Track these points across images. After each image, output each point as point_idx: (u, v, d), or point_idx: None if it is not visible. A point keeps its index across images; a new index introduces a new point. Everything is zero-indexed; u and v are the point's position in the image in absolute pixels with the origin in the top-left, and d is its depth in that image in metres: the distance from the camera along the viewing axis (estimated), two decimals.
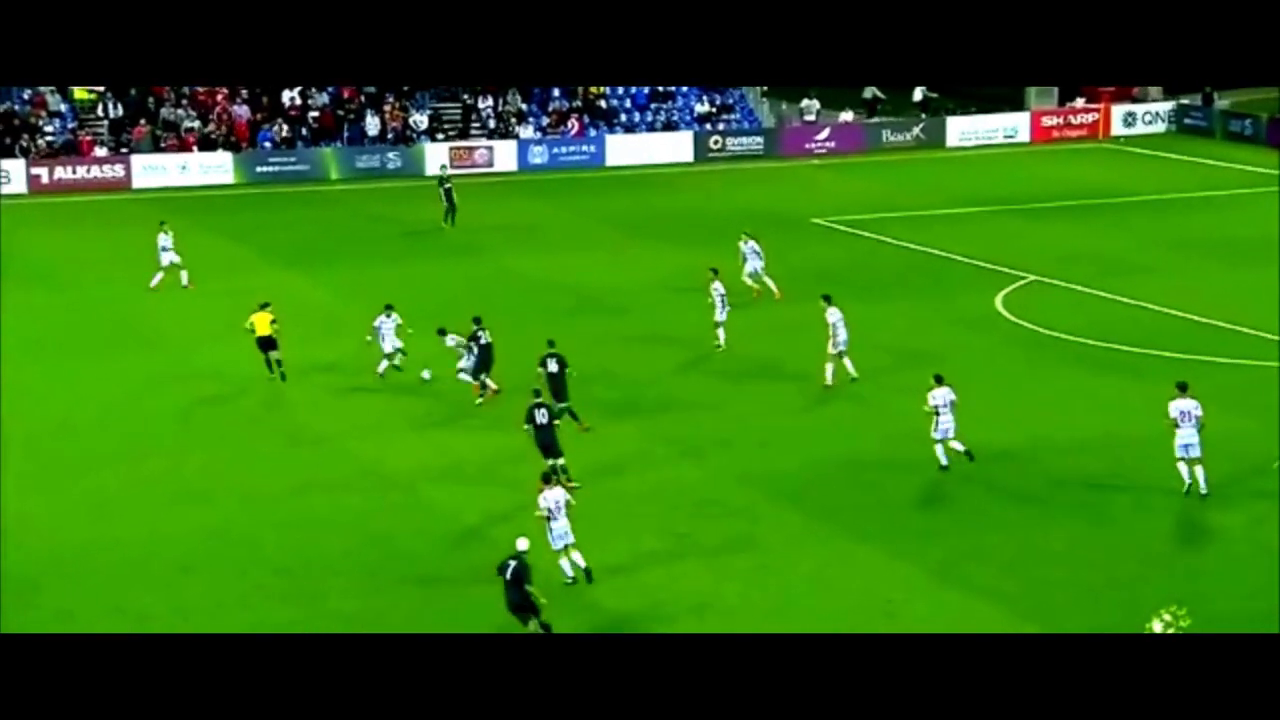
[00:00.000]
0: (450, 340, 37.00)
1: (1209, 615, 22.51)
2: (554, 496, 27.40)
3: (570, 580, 27.21)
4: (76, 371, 40.00)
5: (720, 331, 40.62)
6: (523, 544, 25.09)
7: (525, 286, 47.74)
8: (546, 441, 31.28)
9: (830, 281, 44.65)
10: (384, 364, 38.17)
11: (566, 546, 27.23)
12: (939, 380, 32.22)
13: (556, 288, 47.64)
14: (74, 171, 64.21)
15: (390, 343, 38.19)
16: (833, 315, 37.35)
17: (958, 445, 31.87)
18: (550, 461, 30.89)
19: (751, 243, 45.64)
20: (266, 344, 37.99)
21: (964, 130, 74.33)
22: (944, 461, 31.86)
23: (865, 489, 31.44)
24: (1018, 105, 76.73)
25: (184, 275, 47.73)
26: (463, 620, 25.47)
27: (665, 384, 38.52)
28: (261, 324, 38.11)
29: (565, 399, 34.11)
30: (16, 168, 63.51)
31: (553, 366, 34.48)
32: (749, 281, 45.15)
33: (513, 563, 24.80)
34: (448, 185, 56.58)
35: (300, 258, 51.88)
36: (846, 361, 37.58)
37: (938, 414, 31.78)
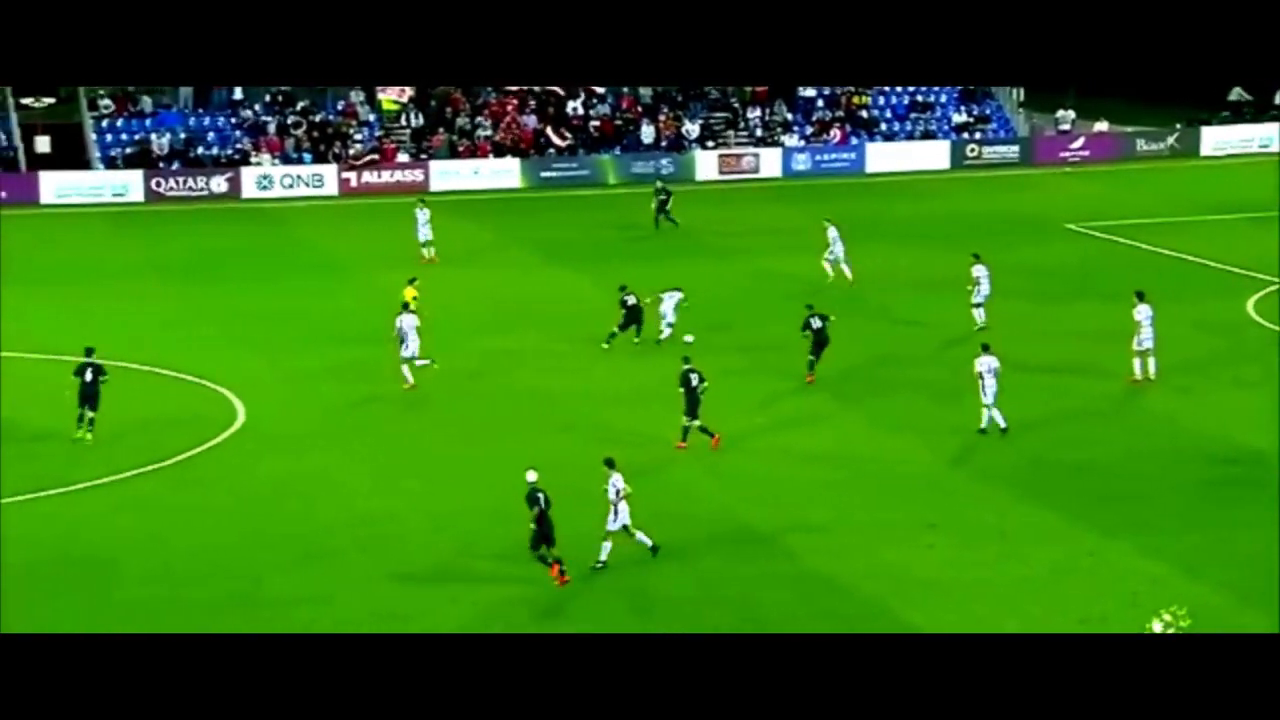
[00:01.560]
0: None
1: None
2: (618, 483, 26.23)
3: (600, 565, 26.02)
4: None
5: (978, 312, 40.23)
6: (531, 476, 25.61)
7: (784, 286, 46.35)
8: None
9: (1079, 283, 42.63)
10: (407, 367, 35.92)
11: (626, 527, 26.17)
12: (985, 349, 32.73)
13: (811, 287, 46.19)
14: (379, 176, 64.87)
15: (412, 342, 35.92)
16: (1141, 313, 35.69)
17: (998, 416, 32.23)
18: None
19: (833, 230, 45.68)
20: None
21: (1219, 140, 70.72)
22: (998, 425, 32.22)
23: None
24: (1274, 116, 72.78)
25: (430, 251, 48.36)
26: None
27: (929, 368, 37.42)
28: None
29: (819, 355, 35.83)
30: (329, 173, 64.44)
31: (816, 324, 36.06)
32: (828, 267, 45.68)
33: (542, 494, 25.26)
34: (663, 197, 55.45)
35: (574, 256, 51.34)
36: (1150, 361, 35.82)
37: (982, 379, 32.16)
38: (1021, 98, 74.14)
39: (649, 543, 26.32)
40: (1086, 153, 69.48)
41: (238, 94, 68.60)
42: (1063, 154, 69.19)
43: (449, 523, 28.40)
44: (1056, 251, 50.64)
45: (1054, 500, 29.07)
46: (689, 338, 36.56)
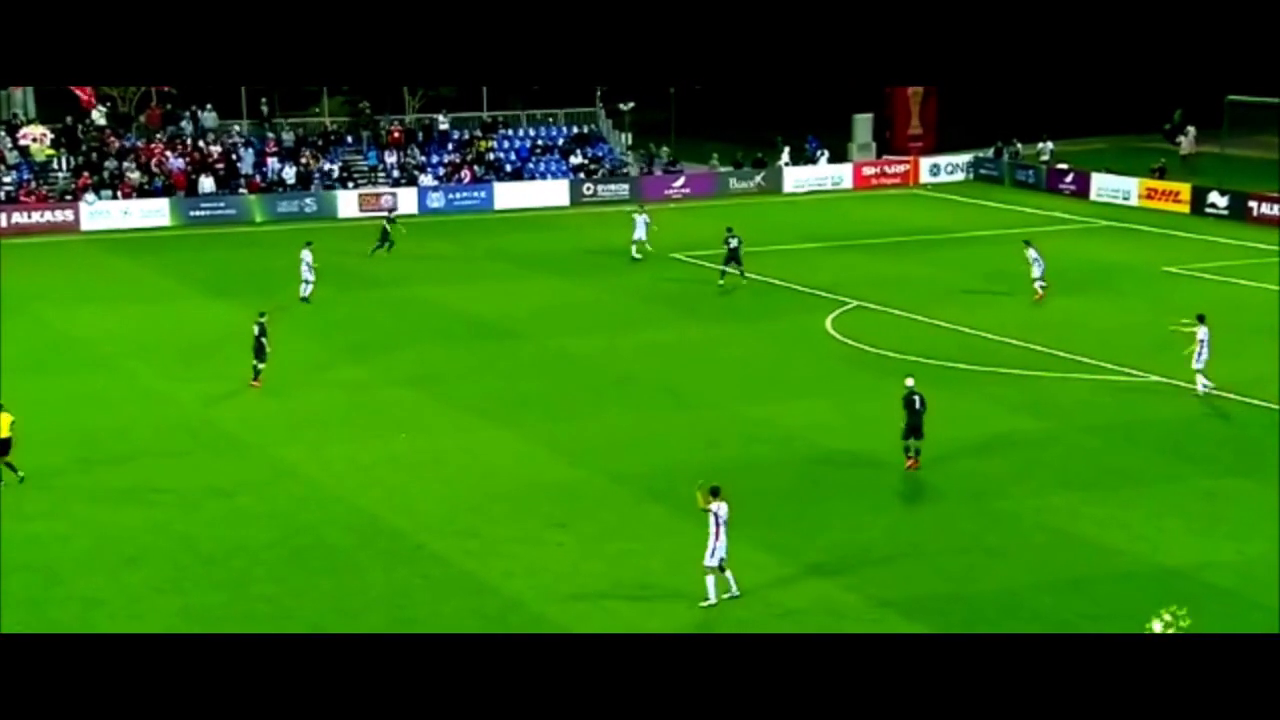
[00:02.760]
0: None
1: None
2: (723, 512, 24.77)
3: (711, 603, 24.79)
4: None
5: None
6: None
7: (422, 311, 47.01)
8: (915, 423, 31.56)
9: (677, 305, 44.30)
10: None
11: (723, 562, 24.77)
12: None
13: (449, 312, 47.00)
14: (29, 217, 62.58)
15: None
16: (1203, 332, 36.88)
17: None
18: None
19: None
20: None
21: (798, 178, 74.82)
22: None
23: None
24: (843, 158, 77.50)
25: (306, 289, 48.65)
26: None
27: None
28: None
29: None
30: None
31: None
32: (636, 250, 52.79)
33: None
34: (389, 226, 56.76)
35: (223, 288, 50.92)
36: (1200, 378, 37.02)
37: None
38: (630, 141, 76.83)
39: (734, 590, 24.87)
40: (688, 190, 72.42)
41: None
42: (667, 191, 71.94)
43: (113, 545, 28.06)
44: (666, 275, 52.72)
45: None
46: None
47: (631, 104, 78.00)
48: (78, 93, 68.90)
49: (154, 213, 64.32)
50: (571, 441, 34.38)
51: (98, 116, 69.28)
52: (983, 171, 76.80)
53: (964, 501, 30.42)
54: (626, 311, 48.01)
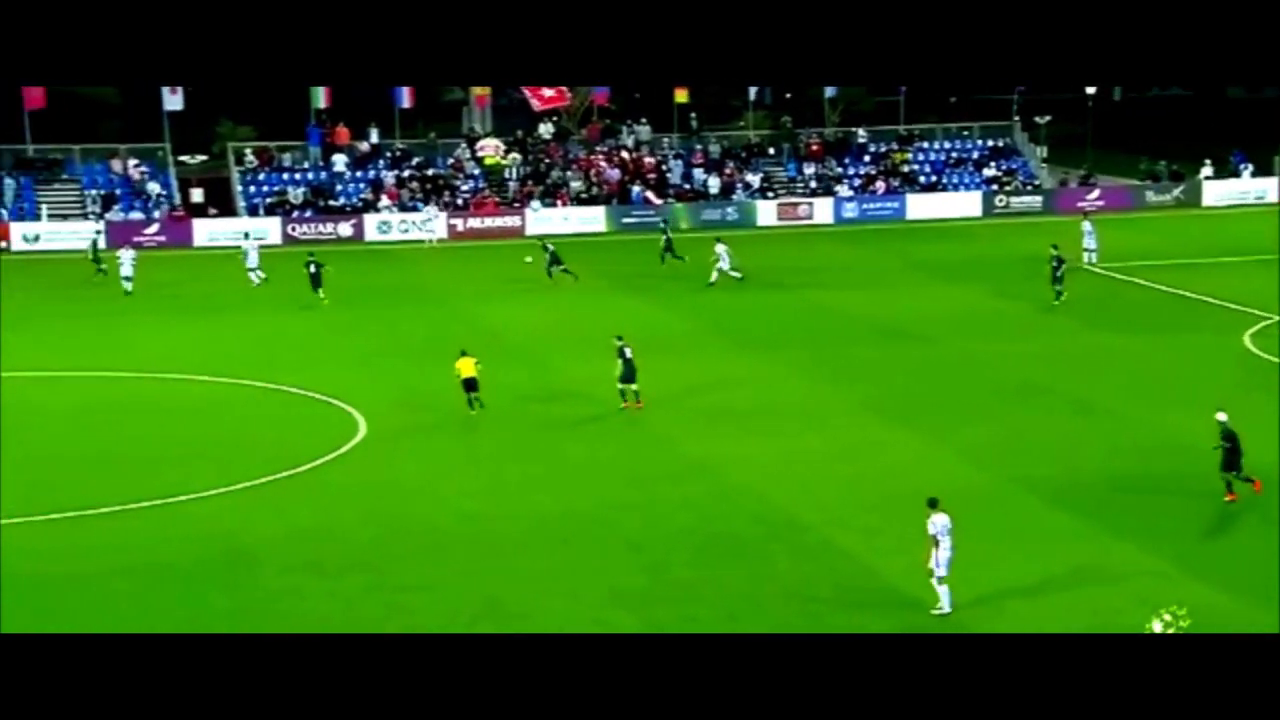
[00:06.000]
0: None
1: None
2: (941, 521, 23.44)
3: (944, 611, 23.47)
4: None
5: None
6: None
7: (835, 317, 46.33)
8: None
9: (1085, 316, 42.01)
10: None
11: (933, 574, 23.40)
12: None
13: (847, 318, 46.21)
14: (482, 221, 65.53)
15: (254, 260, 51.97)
16: None
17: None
18: None
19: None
20: (469, 385, 35.48)
21: (1219, 193, 70.29)
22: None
23: None
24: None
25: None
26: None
27: None
28: (466, 368, 35.54)
29: None
30: (439, 218, 65.11)
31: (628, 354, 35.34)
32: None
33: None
34: (667, 236, 55.90)
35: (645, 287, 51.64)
36: None
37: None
38: (1045, 154, 74.11)
39: (946, 607, 23.35)
40: (1102, 202, 69.10)
41: (364, 146, 69.54)
42: (1080, 204, 68.82)
43: (552, 522, 28.62)
44: (1074, 287, 50.34)
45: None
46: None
47: (1048, 117, 75.08)
48: (532, 98, 71.34)
49: (590, 219, 66.10)
50: (975, 444, 32.96)
51: (544, 131, 71.83)
52: None
53: None
54: (1032, 319, 45.99)
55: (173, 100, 65.52)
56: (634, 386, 35.86)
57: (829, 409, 36.31)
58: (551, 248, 53.09)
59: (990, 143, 73.90)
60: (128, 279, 51.81)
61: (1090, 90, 76.00)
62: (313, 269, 49.77)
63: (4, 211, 63.65)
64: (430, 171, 68.80)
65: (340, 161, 68.21)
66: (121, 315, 49.09)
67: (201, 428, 34.95)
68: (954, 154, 72.97)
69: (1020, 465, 31.42)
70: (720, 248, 52.10)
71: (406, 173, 68.50)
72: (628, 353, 35.86)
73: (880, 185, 69.90)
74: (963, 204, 68.96)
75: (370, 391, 38.13)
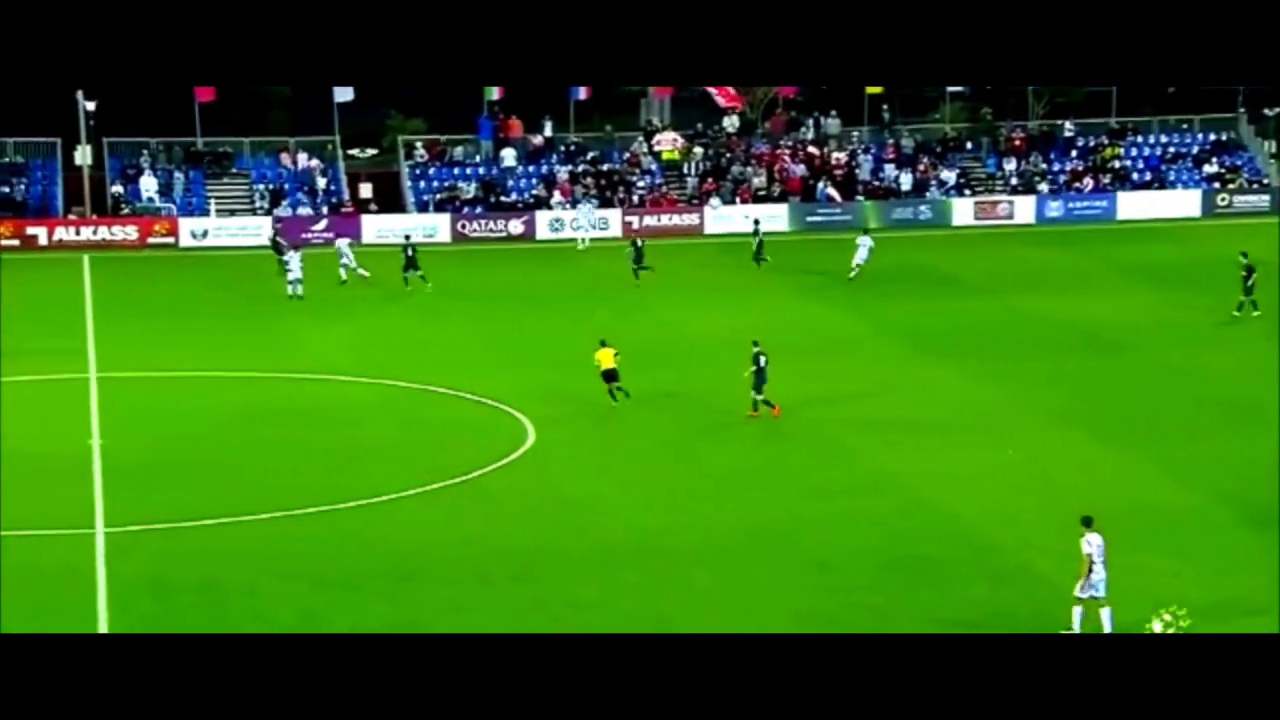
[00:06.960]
0: None
1: None
2: (1096, 541, 23.29)
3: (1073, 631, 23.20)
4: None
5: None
6: None
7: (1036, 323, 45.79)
8: None
9: None
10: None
11: (1094, 598, 23.22)
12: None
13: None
14: (659, 219, 66.10)
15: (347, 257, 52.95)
16: None
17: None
18: None
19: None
20: (609, 376, 36.94)
21: None
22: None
23: None
24: None
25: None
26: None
27: None
28: (605, 359, 37.00)
29: None
30: (614, 216, 65.82)
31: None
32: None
33: None
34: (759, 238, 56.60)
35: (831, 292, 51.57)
36: None
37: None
38: (1274, 149, 71.78)
39: (1108, 625, 23.07)
40: None
41: (537, 140, 70.54)
42: None
43: (722, 538, 28.84)
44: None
45: None
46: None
47: (1278, 109, 72.88)
48: (717, 95, 71.74)
49: (773, 218, 66.09)
50: (1181, 463, 32.30)
51: (728, 124, 72.05)
52: None
53: None
54: (1240, 330, 44.86)
55: (343, 92, 66.80)
56: (760, 396, 35.81)
57: (1022, 421, 35.91)
58: (641, 244, 54.43)
59: (1212, 136, 72.00)
60: (298, 281, 51.48)
61: None
62: (409, 252, 52.81)
63: (173, 206, 65.99)
64: (605, 166, 69.53)
65: (510, 156, 69.26)
66: (285, 317, 50.00)
67: (372, 434, 35.94)
68: (1171, 149, 71.27)
69: (1228, 484, 30.87)
70: (863, 239, 53.62)
71: (580, 168, 69.31)
72: (762, 360, 35.89)
73: (1088, 182, 68.64)
74: (1180, 203, 67.36)
75: (538, 395, 38.76)
